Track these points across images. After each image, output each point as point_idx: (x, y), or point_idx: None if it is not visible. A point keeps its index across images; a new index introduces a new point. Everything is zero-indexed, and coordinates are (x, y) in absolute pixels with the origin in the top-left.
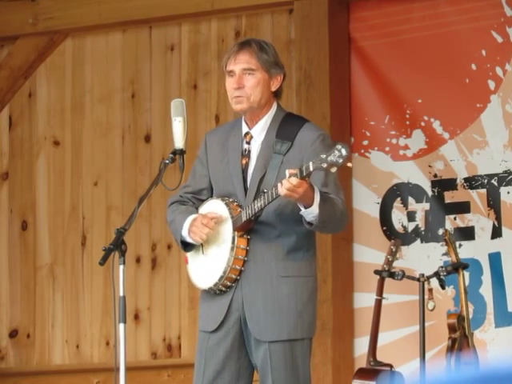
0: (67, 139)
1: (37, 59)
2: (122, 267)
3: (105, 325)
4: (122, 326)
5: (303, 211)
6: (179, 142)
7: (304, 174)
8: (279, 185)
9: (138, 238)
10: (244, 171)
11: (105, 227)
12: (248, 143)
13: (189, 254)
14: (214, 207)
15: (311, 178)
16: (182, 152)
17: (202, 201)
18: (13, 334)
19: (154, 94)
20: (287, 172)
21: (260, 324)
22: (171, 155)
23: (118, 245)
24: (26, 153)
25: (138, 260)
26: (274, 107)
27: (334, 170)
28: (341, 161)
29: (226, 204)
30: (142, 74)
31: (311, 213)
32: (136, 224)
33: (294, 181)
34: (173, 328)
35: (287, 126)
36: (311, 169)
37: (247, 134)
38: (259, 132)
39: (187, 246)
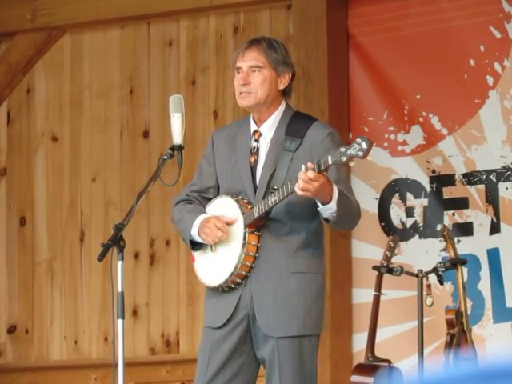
0: (65, 135)
1: (35, 55)
2: (120, 263)
3: (103, 321)
4: (120, 321)
5: (321, 207)
6: (177, 137)
7: (322, 167)
8: (294, 180)
9: (137, 234)
10: (253, 169)
11: (103, 223)
12: (257, 141)
13: (196, 253)
14: (224, 205)
15: None
16: (180, 148)
17: (209, 199)
18: (11, 329)
19: (153, 90)
20: (303, 166)
21: (269, 319)
22: (169, 151)
23: (116, 241)
24: (24, 149)
25: (136, 256)
26: (283, 105)
27: (352, 163)
28: (361, 154)
29: (237, 201)
30: (140, 69)
31: (329, 209)
32: (134, 220)
33: (311, 174)
34: (171, 324)
35: (296, 124)
36: (330, 162)
37: (256, 131)
38: (268, 130)
39: (195, 245)
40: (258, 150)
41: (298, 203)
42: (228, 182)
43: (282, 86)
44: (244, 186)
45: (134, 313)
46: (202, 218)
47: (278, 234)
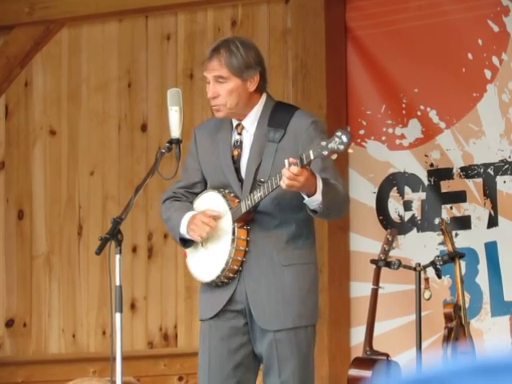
0: (63, 128)
1: (33, 48)
2: (118, 256)
3: (101, 314)
4: (118, 315)
5: (307, 200)
6: (175, 131)
7: (304, 162)
8: (278, 175)
9: (135, 228)
10: (236, 162)
11: (101, 217)
12: (239, 134)
13: (188, 249)
14: (211, 200)
15: None
16: (178, 141)
17: (196, 194)
18: (9, 323)
19: (151, 84)
20: (286, 162)
21: (265, 313)
22: (167, 144)
23: (114, 234)
24: (22, 142)
25: (134, 249)
26: (263, 98)
27: (334, 157)
28: (342, 147)
29: (223, 196)
30: (138, 63)
31: (315, 200)
32: (132, 213)
33: (295, 169)
34: (169, 317)
35: (279, 114)
36: (312, 157)
37: (238, 125)
38: (251, 123)
39: (186, 242)
40: (241, 143)
41: (286, 195)
42: (212, 176)
43: (252, 88)
44: (228, 179)
45: (132, 306)
46: (188, 215)
47: (268, 227)
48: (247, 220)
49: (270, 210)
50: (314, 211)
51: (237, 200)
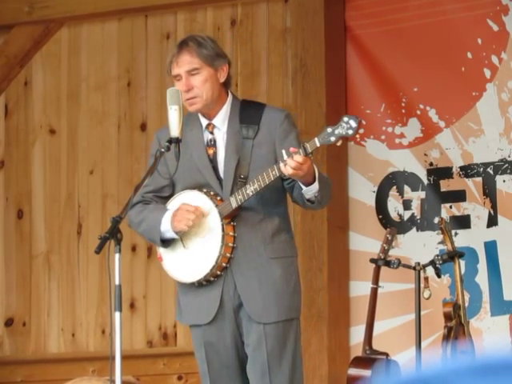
0: (63, 128)
1: (32, 48)
2: (117, 256)
3: (100, 313)
4: (117, 314)
5: (305, 189)
6: (175, 130)
7: (309, 150)
8: (281, 165)
9: None
10: (213, 161)
11: (100, 215)
12: (211, 133)
13: (164, 251)
14: (193, 199)
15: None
16: (177, 140)
17: (164, 198)
18: (8, 322)
19: (150, 83)
20: (284, 152)
21: (258, 306)
22: (167, 144)
23: (113, 233)
24: (21, 141)
25: (133, 248)
26: (230, 96)
27: (339, 143)
28: (351, 132)
29: (205, 193)
30: (137, 62)
31: (312, 190)
32: None
33: (299, 158)
34: (168, 316)
35: (248, 111)
36: (318, 144)
37: (209, 124)
38: (222, 121)
39: (164, 242)
40: (214, 141)
41: (268, 190)
42: (186, 177)
43: (222, 79)
44: (206, 178)
45: (132, 306)
46: (171, 212)
47: (253, 222)
48: (233, 216)
49: (254, 205)
50: (309, 201)
51: (218, 198)
